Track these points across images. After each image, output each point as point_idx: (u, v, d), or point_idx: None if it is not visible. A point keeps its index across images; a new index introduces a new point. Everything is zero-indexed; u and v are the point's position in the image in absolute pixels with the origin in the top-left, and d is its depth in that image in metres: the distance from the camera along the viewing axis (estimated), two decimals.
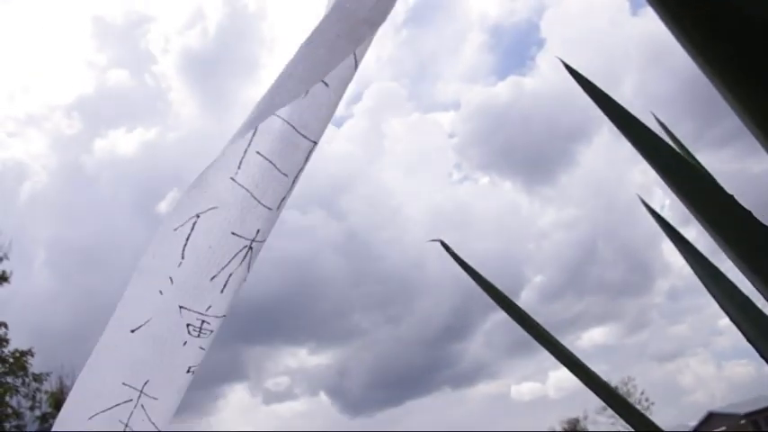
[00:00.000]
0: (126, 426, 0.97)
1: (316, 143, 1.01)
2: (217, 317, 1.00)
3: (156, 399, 0.98)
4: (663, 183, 0.77)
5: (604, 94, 0.85)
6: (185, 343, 0.97)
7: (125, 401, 0.96)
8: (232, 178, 1.00)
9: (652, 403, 40.07)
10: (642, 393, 40.44)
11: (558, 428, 42.19)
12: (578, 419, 41.35)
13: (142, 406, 0.98)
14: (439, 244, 1.14)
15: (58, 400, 11.92)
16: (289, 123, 0.96)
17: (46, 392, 12.18)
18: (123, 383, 0.96)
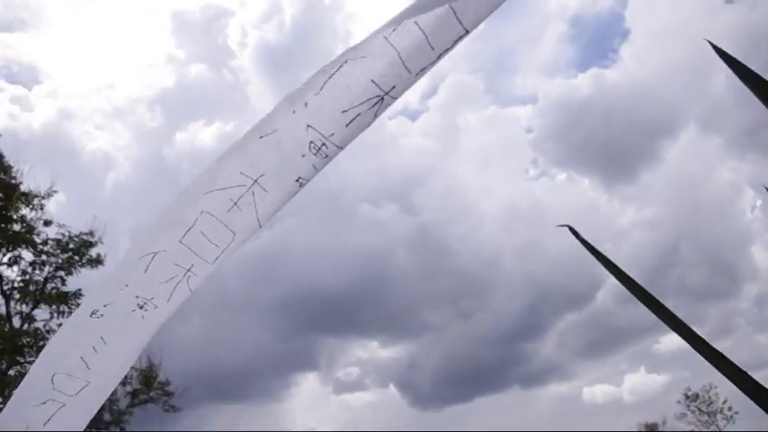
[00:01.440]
0: (235, 204, 1.13)
1: (468, 32, 1.11)
2: (336, 145, 1.12)
3: (266, 191, 1.13)
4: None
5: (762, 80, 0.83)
6: (303, 156, 1.11)
7: (239, 185, 1.12)
8: (385, 37, 1.10)
9: (736, 413, 35.72)
10: (725, 402, 36.21)
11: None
12: (656, 424, 38.02)
13: (252, 193, 1.13)
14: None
15: (147, 377, 12.54)
16: (450, 6, 1.06)
17: (135, 370, 12.82)
18: (241, 172, 1.11)
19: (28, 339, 12.14)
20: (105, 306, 1.26)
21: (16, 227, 12.33)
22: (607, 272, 1.08)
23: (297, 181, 1.15)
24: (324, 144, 1.12)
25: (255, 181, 1.12)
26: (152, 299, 1.25)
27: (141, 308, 1.26)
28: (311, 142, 1.11)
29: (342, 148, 1.14)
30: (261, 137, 1.10)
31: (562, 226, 1.20)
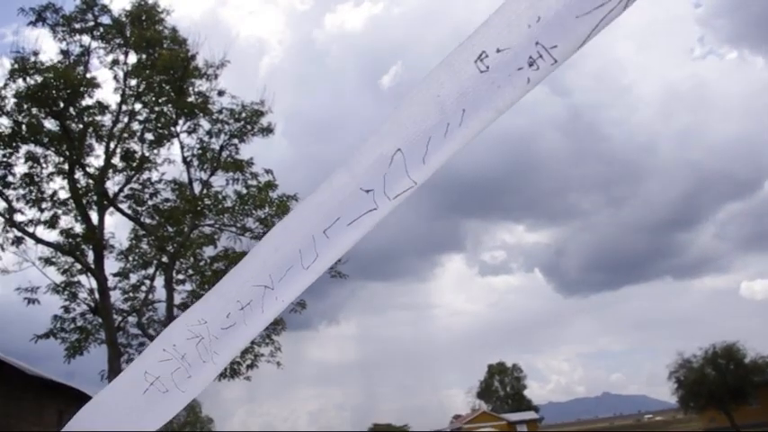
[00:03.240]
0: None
1: None
2: (554, 60, 1.13)
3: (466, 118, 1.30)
4: None
5: None
6: (520, 68, 1.17)
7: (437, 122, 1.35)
8: None
9: None
10: None
11: None
12: None
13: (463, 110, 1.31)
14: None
15: None
16: None
17: None
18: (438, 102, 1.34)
19: (208, 203, 12.99)
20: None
21: (192, 99, 12.87)
22: None
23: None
24: (542, 56, 1.13)
25: (464, 111, 1.27)
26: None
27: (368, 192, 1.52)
28: (530, 57, 1.14)
29: (558, 62, 1.15)
30: (473, 61, 1.24)
31: None
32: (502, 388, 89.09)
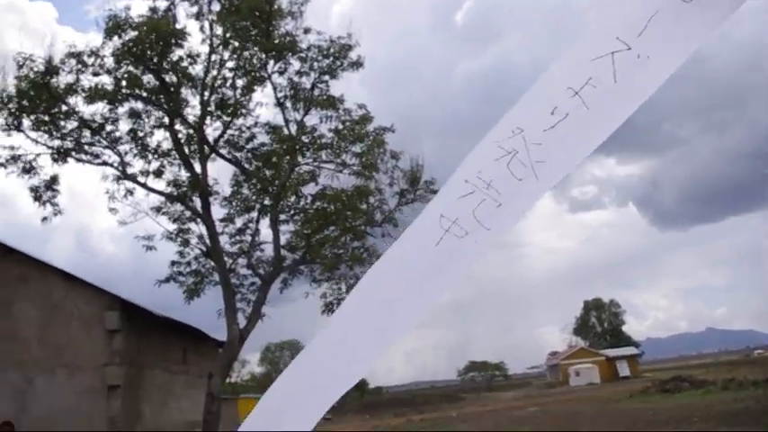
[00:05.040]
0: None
1: None
2: None
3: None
4: None
5: None
6: None
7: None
8: None
9: None
10: None
11: None
12: None
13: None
14: None
15: (413, 179, 13.22)
16: None
17: (402, 171, 13.54)
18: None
19: (305, 142, 13.38)
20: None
21: (278, 40, 13.13)
22: None
23: None
24: None
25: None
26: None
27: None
28: None
29: None
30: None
31: None
32: (599, 324, 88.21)
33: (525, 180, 1.62)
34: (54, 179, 13.03)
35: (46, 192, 13.00)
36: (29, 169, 12.86)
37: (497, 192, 1.62)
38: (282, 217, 14.00)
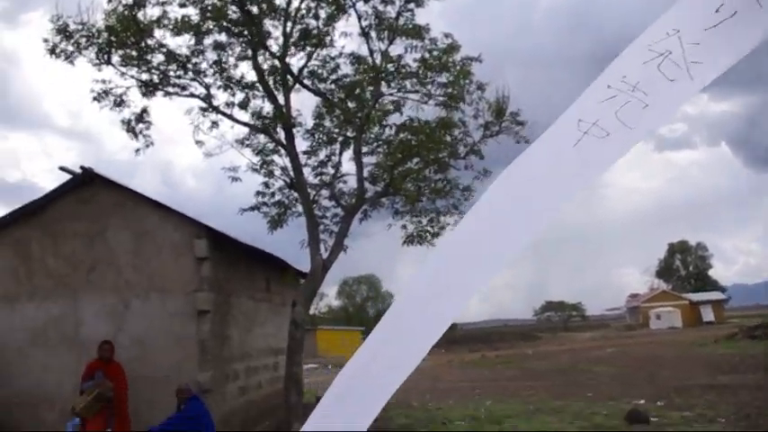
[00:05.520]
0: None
1: None
2: None
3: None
4: None
5: None
6: None
7: None
8: None
9: None
10: None
11: None
12: None
13: None
14: None
15: (498, 110, 12.85)
16: None
17: (486, 102, 13.17)
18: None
19: (390, 72, 13.17)
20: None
21: None
22: None
23: None
24: None
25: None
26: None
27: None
28: None
29: None
30: None
31: None
32: (683, 267, 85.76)
33: (677, 81, 1.60)
34: (144, 111, 13.39)
35: (137, 124, 13.38)
36: (119, 103, 13.22)
37: (644, 93, 1.62)
38: (365, 149, 13.96)
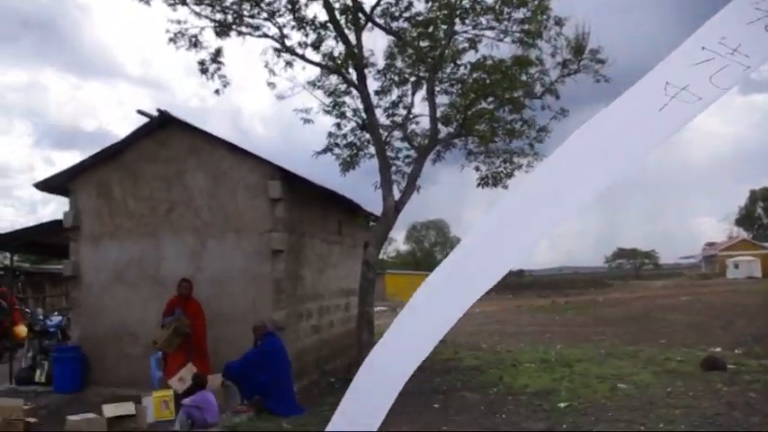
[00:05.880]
0: None
1: None
2: None
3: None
4: None
5: None
6: None
7: None
8: None
9: None
10: None
11: None
12: None
13: None
14: None
15: (577, 47, 12.31)
16: None
17: (565, 39, 12.63)
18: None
19: (466, 8, 12.76)
20: None
21: None
22: None
23: None
24: None
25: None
26: None
27: None
28: None
29: None
30: None
31: None
32: (766, 216, 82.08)
33: None
34: (218, 52, 13.43)
35: (212, 64, 13.45)
36: (195, 43, 13.29)
37: (746, 56, 1.46)
38: (438, 89, 13.67)
